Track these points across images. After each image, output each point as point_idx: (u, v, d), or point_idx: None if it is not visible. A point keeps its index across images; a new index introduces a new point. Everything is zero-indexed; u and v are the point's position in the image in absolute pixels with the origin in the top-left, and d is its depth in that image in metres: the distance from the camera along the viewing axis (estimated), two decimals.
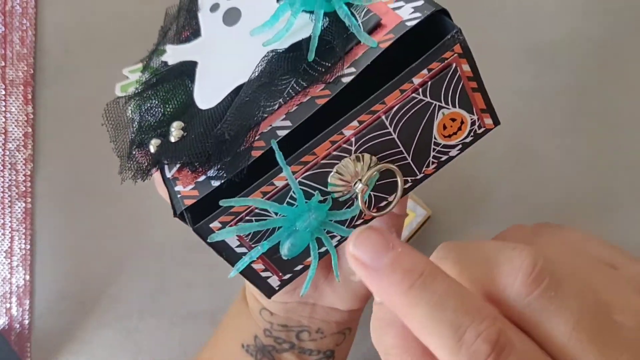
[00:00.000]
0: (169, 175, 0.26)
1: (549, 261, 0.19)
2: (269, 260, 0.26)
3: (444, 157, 0.26)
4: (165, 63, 0.29)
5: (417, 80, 0.23)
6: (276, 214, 0.24)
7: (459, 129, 0.25)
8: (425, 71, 0.23)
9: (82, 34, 0.58)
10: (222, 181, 0.23)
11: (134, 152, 0.26)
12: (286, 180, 0.23)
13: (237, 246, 0.25)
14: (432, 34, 0.23)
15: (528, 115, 0.56)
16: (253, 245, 0.25)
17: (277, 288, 0.27)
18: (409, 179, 0.26)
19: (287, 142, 0.23)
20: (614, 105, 0.56)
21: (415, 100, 0.23)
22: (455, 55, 0.23)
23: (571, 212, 0.56)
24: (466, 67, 0.23)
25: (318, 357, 0.35)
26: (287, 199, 0.24)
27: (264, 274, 0.27)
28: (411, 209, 0.52)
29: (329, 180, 0.24)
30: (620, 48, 0.56)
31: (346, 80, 0.23)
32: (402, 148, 0.25)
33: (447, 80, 0.23)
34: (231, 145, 0.23)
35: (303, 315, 0.35)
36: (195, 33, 0.29)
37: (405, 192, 0.26)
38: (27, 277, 0.57)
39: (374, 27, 0.23)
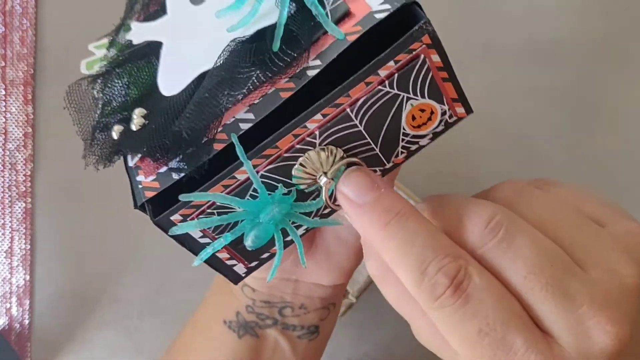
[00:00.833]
0: (131, 163, 0.25)
1: (507, 216, 0.21)
2: (234, 250, 0.26)
3: (414, 147, 0.26)
4: (131, 42, 0.28)
5: (383, 73, 0.22)
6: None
7: (429, 119, 0.25)
8: (392, 63, 0.22)
9: (82, 34, 0.57)
10: (183, 174, 0.23)
11: (97, 137, 0.26)
12: (247, 173, 0.23)
13: (200, 237, 0.25)
14: (403, 23, 0.22)
15: (528, 114, 0.56)
16: (216, 237, 0.25)
17: (243, 275, 0.27)
18: (377, 169, 0.26)
19: (250, 135, 0.23)
20: (615, 105, 0.56)
21: (382, 92, 0.23)
22: (424, 46, 0.22)
23: None
24: (436, 58, 0.23)
25: (302, 332, 0.35)
26: (250, 192, 0.24)
27: (229, 262, 0.26)
28: None
29: (293, 173, 0.24)
30: (620, 47, 0.56)
31: (311, 73, 0.22)
32: (369, 139, 0.24)
33: (415, 71, 0.23)
34: (192, 138, 0.23)
35: (286, 291, 0.34)
36: (162, 9, 0.28)
37: None
38: (27, 277, 0.57)
39: (342, 17, 0.23)
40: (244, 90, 0.23)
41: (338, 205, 0.25)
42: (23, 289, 0.57)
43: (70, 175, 0.56)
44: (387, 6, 0.22)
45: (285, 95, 0.22)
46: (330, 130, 0.23)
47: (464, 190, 0.58)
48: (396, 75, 0.22)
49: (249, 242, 0.24)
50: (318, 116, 0.23)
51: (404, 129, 0.24)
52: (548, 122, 0.56)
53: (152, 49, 0.27)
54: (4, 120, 0.58)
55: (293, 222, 0.25)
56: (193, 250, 0.25)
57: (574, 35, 0.56)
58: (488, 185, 0.60)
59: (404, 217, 0.22)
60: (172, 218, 0.24)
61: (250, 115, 0.23)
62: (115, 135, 0.25)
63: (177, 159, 0.23)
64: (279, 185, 0.24)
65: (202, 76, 0.24)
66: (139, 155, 0.25)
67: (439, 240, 0.22)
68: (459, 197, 0.23)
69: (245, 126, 0.23)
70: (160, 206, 0.24)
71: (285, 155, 0.23)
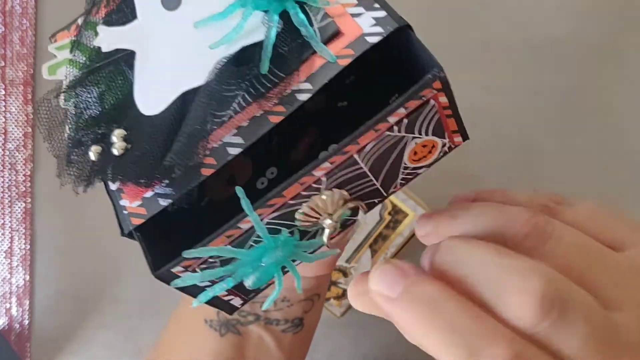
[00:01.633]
0: (113, 187, 0.24)
1: (556, 286, 0.20)
2: (233, 289, 0.25)
3: (412, 177, 0.26)
4: (99, 49, 0.26)
5: (392, 119, 0.22)
6: None
7: (430, 152, 0.25)
8: (402, 109, 0.22)
9: None
10: (171, 201, 0.22)
11: (72, 155, 0.25)
12: (252, 222, 0.22)
13: (200, 281, 0.24)
14: (394, 43, 0.22)
15: (529, 115, 0.56)
16: (217, 281, 0.24)
17: (239, 306, 0.27)
18: (376, 200, 0.25)
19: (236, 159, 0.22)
20: (614, 104, 0.56)
21: (390, 136, 0.23)
22: (434, 91, 0.22)
23: None
24: (443, 99, 0.22)
25: (286, 326, 0.35)
26: (254, 237, 0.23)
27: (226, 298, 0.26)
28: (411, 209, 0.52)
29: (296, 217, 0.24)
30: (619, 47, 0.56)
31: (302, 97, 0.21)
32: (371, 177, 0.24)
33: (423, 115, 0.22)
34: (178, 162, 0.22)
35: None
36: (130, 12, 0.26)
37: (369, 210, 0.26)
38: (27, 277, 0.57)
39: (332, 37, 0.22)
40: (230, 111, 0.22)
41: (334, 242, 0.25)
42: (23, 289, 0.57)
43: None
44: (379, 29, 0.21)
45: (275, 119, 0.22)
46: (336, 175, 0.23)
47: (463, 190, 0.58)
48: (405, 120, 0.22)
49: (249, 283, 0.24)
50: (326, 164, 0.22)
51: (405, 163, 0.24)
52: (547, 121, 0.56)
53: (125, 58, 0.26)
54: (4, 120, 0.58)
55: (293, 260, 0.25)
56: (192, 293, 0.24)
57: (573, 35, 0.56)
58: (487, 185, 0.60)
59: (440, 305, 0.20)
60: (173, 270, 0.23)
61: (239, 139, 0.22)
62: (93, 157, 0.24)
63: (164, 184, 0.22)
64: (282, 229, 0.24)
65: (184, 95, 0.23)
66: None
67: (485, 323, 0.20)
68: (487, 256, 0.21)
69: (233, 151, 0.22)
70: (148, 232, 0.23)
71: (291, 202, 0.23)
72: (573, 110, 0.56)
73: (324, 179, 0.23)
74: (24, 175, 0.58)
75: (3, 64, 0.58)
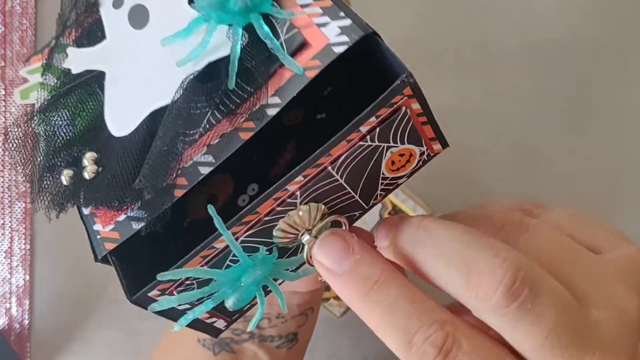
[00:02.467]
0: (86, 211, 0.24)
1: (529, 270, 0.20)
2: (214, 310, 0.25)
3: (393, 187, 0.25)
4: (69, 71, 0.26)
5: (364, 128, 0.22)
6: None
7: (408, 161, 0.24)
8: (373, 118, 0.21)
9: None
10: (144, 224, 0.22)
11: (45, 181, 0.24)
12: (227, 242, 0.22)
13: (179, 304, 0.24)
14: (362, 49, 0.21)
15: (529, 115, 0.56)
16: (196, 303, 0.24)
17: (223, 329, 0.27)
18: (356, 213, 0.25)
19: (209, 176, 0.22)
20: (615, 105, 0.56)
21: (363, 146, 0.22)
22: (405, 98, 0.21)
23: None
24: (416, 106, 0.22)
25: (280, 342, 0.34)
26: (231, 257, 0.23)
27: (208, 321, 0.26)
28: (411, 209, 0.52)
29: (274, 234, 0.23)
30: (620, 48, 0.56)
31: (271, 112, 0.21)
32: (349, 189, 0.24)
33: (396, 123, 0.22)
34: (149, 184, 0.21)
35: None
36: (100, 32, 0.26)
37: (351, 224, 0.26)
38: (27, 277, 0.57)
39: (298, 48, 0.21)
40: (200, 130, 0.22)
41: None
42: (23, 289, 0.57)
43: None
44: (345, 38, 0.21)
45: (245, 136, 0.21)
46: (311, 189, 0.22)
47: (463, 190, 0.58)
48: (377, 129, 0.22)
49: (230, 304, 0.23)
50: (299, 178, 0.22)
51: (383, 174, 0.24)
52: (547, 123, 0.56)
53: (95, 79, 0.25)
54: (3, 120, 0.58)
55: (274, 278, 0.24)
56: (172, 317, 0.24)
57: (573, 37, 0.56)
58: (487, 184, 0.60)
59: (384, 285, 0.21)
60: (150, 294, 0.23)
61: (210, 158, 0.22)
62: (65, 181, 0.24)
63: (136, 207, 0.22)
64: (260, 247, 0.23)
65: (153, 115, 0.23)
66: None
67: (424, 306, 0.21)
68: (464, 235, 0.21)
69: (204, 170, 0.22)
70: (126, 257, 0.23)
71: (266, 218, 0.22)
72: (573, 111, 0.56)
73: (298, 193, 0.22)
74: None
75: (3, 64, 0.58)
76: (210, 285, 0.23)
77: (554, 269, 0.21)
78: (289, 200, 0.22)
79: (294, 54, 0.21)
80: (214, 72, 0.22)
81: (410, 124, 0.22)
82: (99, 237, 0.23)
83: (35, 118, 0.25)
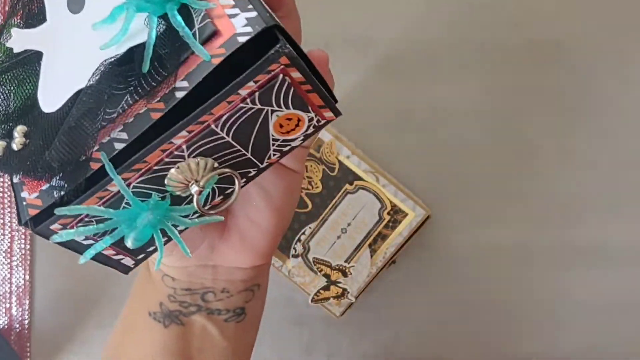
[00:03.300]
0: (16, 179, 0.26)
1: None
2: (118, 248, 0.27)
3: (287, 148, 0.27)
4: (11, 50, 0.28)
5: (244, 92, 0.23)
6: None
7: (297, 125, 0.26)
8: (252, 83, 0.23)
9: None
10: (65, 192, 0.24)
11: None
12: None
13: (83, 239, 0.27)
14: (268, 41, 0.23)
15: (528, 115, 0.56)
16: (98, 239, 0.26)
17: (132, 266, 0.29)
18: (251, 170, 0.27)
19: (124, 152, 0.24)
20: (615, 105, 0.56)
21: (245, 108, 0.24)
22: (282, 66, 0.23)
23: (571, 212, 0.56)
24: (296, 74, 0.24)
25: (228, 315, 0.35)
26: (126, 200, 0.25)
27: (116, 257, 0.28)
28: (410, 209, 0.52)
29: (166, 182, 0.25)
30: (618, 48, 0.56)
31: (179, 94, 0.23)
32: (238, 147, 0.26)
33: (276, 88, 0.24)
34: (70, 157, 0.23)
35: (205, 277, 0.35)
36: (42, 15, 0.28)
37: (248, 181, 0.28)
38: (27, 277, 0.57)
39: (209, 36, 0.23)
40: (119, 109, 0.24)
41: (210, 211, 0.27)
42: (23, 288, 0.57)
43: None
44: (249, 29, 0.22)
45: (156, 115, 0.23)
46: (197, 144, 0.24)
47: (463, 190, 0.58)
48: (257, 93, 0.24)
49: (129, 244, 0.25)
50: (183, 133, 0.24)
51: (273, 135, 0.26)
52: (547, 122, 0.56)
53: (35, 58, 0.27)
54: None
55: (173, 224, 0.26)
56: (78, 251, 0.27)
57: (573, 37, 0.56)
58: (487, 184, 0.60)
59: None
60: (51, 227, 0.25)
61: (124, 135, 0.24)
62: None
63: (57, 177, 0.24)
64: (153, 193, 0.25)
65: (77, 94, 0.25)
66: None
67: None
68: None
69: (119, 145, 0.24)
70: (45, 220, 0.25)
71: (156, 167, 0.25)
72: (573, 111, 0.56)
73: (184, 147, 0.24)
74: None
75: None
76: (105, 223, 0.25)
77: None
78: (176, 152, 0.24)
79: (205, 42, 0.23)
80: (133, 56, 0.24)
81: (292, 91, 0.24)
82: (24, 203, 0.25)
83: None
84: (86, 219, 0.25)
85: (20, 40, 0.28)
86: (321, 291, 0.53)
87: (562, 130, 0.56)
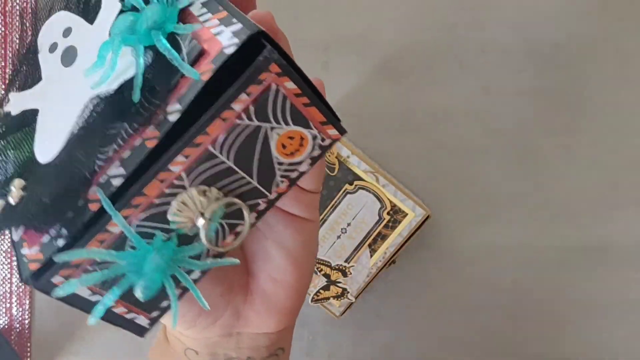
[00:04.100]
0: (16, 238, 0.25)
1: None
2: (129, 303, 0.25)
3: (295, 174, 0.25)
4: (9, 113, 0.27)
5: (238, 107, 0.22)
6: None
7: (301, 145, 0.24)
8: (244, 96, 0.22)
9: None
10: (66, 240, 0.23)
11: None
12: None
13: (90, 295, 0.24)
14: (258, 54, 0.22)
15: (528, 115, 0.56)
16: (104, 292, 0.24)
17: (147, 327, 0.27)
18: (260, 201, 0.25)
19: (123, 188, 0.22)
20: (614, 105, 0.56)
21: (242, 126, 0.23)
22: (274, 75, 0.22)
23: (571, 212, 0.56)
24: (290, 85, 0.22)
25: None
26: (129, 243, 0.23)
27: (128, 316, 0.26)
28: (410, 209, 0.52)
29: (169, 219, 0.24)
30: (617, 49, 0.56)
31: (173, 118, 0.22)
32: (242, 174, 0.24)
33: (271, 101, 0.23)
34: (68, 202, 0.22)
35: (229, 347, 0.33)
36: (38, 76, 0.28)
37: (260, 216, 0.26)
38: None
39: (197, 57, 0.22)
40: (114, 146, 0.23)
41: (221, 247, 0.25)
42: (23, 288, 0.57)
43: None
44: (236, 40, 0.21)
45: (151, 144, 0.22)
46: (197, 170, 0.23)
47: (463, 190, 0.58)
48: (252, 107, 0.22)
49: (139, 294, 0.23)
50: (180, 158, 0.22)
51: (277, 158, 0.24)
52: (546, 122, 0.56)
53: (31, 117, 0.26)
54: None
55: (183, 268, 0.24)
56: (85, 309, 0.24)
57: (573, 37, 0.56)
58: (487, 185, 0.60)
59: None
60: (53, 280, 0.23)
61: (122, 170, 0.22)
62: None
63: (57, 226, 0.23)
64: (157, 232, 0.24)
65: (71, 138, 0.24)
66: (22, 228, 0.24)
67: None
68: None
69: (117, 182, 0.22)
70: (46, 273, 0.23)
71: (157, 201, 0.23)
72: (573, 111, 0.56)
73: (183, 174, 0.23)
74: None
75: (3, 64, 0.58)
76: (110, 269, 0.23)
77: None
78: (175, 182, 0.23)
79: (193, 62, 0.22)
80: (123, 90, 0.23)
81: (288, 104, 0.23)
82: (25, 260, 0.23)
83: None
84: (90, 268, 0.24)
85: (17, 103, 0.27)
86: (321, 291, 0.53)
87: (562, 130, 0.56)
